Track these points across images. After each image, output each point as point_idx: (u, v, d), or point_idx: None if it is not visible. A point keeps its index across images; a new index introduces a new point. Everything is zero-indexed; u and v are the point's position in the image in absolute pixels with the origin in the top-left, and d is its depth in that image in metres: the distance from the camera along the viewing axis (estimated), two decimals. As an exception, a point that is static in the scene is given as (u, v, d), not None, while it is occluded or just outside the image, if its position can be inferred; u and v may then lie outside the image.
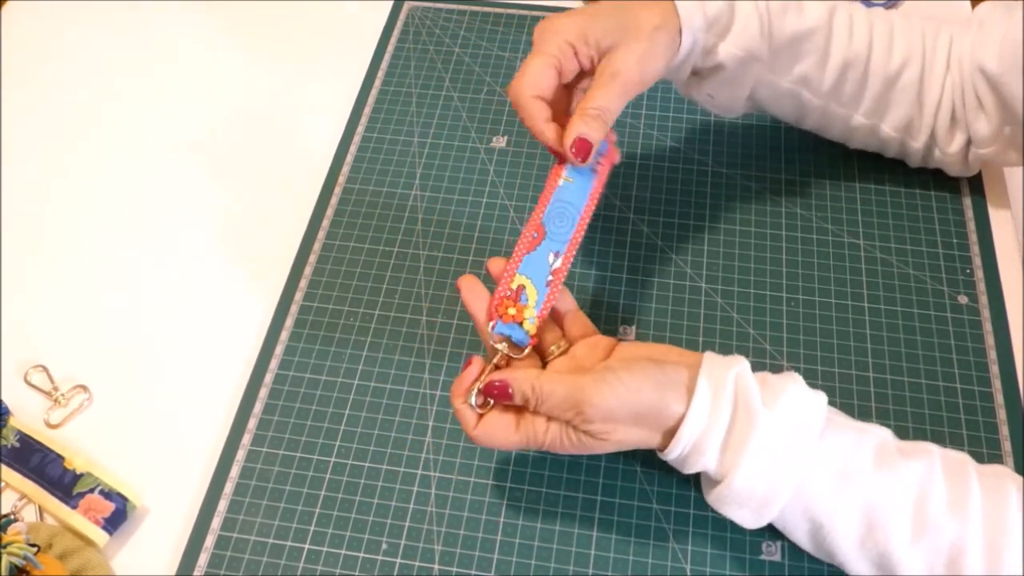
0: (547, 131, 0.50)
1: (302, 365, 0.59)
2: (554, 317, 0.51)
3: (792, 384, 0.46)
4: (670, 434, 0.46)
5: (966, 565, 0.42)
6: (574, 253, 0.49)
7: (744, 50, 0.54)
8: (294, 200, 0.67)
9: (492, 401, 0.48)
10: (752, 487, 0.44)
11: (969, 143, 0.60)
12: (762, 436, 0.44)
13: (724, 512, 0.46)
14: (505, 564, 0.51)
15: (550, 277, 0.49)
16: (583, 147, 0.49)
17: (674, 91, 0.72)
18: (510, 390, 0.46)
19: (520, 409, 0.48)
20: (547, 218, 0.50)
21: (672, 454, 0.46)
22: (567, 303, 0.51)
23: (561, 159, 0.51)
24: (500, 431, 0.47)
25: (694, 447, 0.45)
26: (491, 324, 0.48)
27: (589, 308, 0.60)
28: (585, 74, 0.53)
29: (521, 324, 0.48)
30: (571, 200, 0.50)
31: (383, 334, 0.60)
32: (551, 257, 0.49)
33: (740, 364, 0.46)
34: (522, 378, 0.46)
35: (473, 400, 0.47)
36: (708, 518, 0.52)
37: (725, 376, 0.45)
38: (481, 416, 0.48)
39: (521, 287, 0.49)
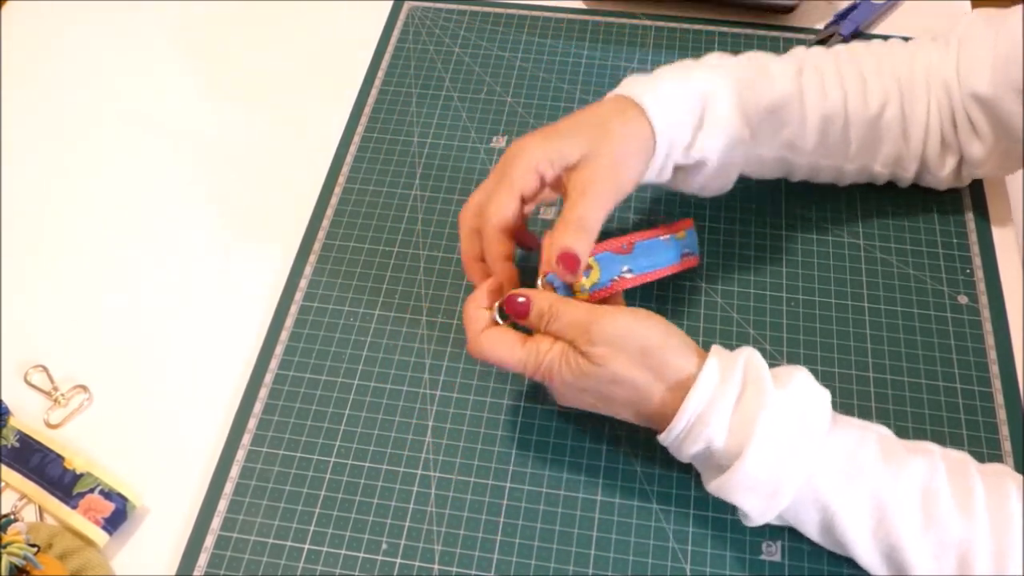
0: (503, 271, 0.51)
1: (302, 365, 0.59)
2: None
3: (800, 372, 0.46)
4: (673, 397, 0.46)
5: (975, 566, 0.42)
6: (637, 285, 0.51)
7: (725, 138, 0.54)
8: (294, 200, 0.67)
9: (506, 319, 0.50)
10: (765, 467, 0.44)
11: (961, 163, 0.59)
12: (773, 413, 0.44)
13: (732, 498, 0.45)
14: (505, 564, 0.51)
15: (616, 278, 0.50)
16: (569, 261, 0.48)
17: (674, 91, 0.72)
18: (530, 306, 0.48)
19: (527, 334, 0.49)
20: (640, 246, 0.52)
21: (678, 425, 0.45)
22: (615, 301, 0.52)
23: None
24: (505, 344, 0.48)
25: (699, 418, 0.45)
26: (545, 274, 0.49)
27: (589, 308, 0.60)
28: (545, 186, 0.52)
29: (571, 288, 0.49)
30: (661, 254, 0.53)
31: (383, 334, 0.60)
32: (624, 268, 0.50)
33: (749, 350, 0.47)
34: (541, 296, 0.48)
35: (497, 313, 0.50)
36: (708, 518, 0.52)
37: (735, 355, 0.47)
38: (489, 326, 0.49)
39: (589, 267, 0.49)
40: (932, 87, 0.57)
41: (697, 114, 0.53)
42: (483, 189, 0.53)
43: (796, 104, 0.55)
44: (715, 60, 0.56)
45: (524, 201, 0.51)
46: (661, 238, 0.53)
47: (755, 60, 0.56)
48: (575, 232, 0.48)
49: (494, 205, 0.50)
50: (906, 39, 0.60)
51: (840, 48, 0.59)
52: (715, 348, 0.47)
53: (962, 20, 0.58)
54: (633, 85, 0.53)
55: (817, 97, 0.56)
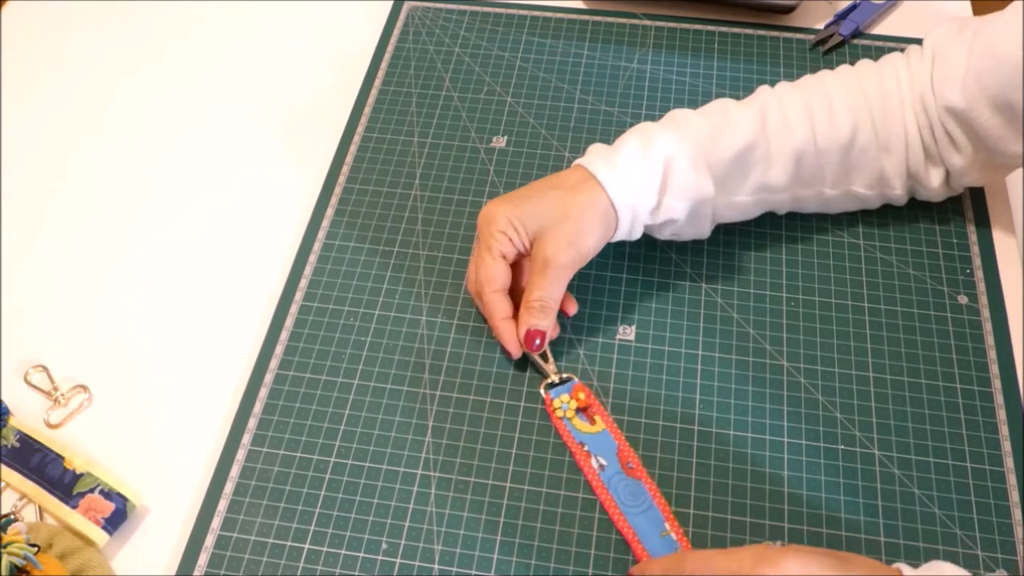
0: (504, 330, 0.55)
1: (302, 365, 0.59)
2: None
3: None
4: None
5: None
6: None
7: (690, 199, 0.56)
8: (294, 200, 0.67)
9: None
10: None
11: (948, 173, 0.59)
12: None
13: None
14: (505, 564, 0.51)
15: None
16: (531, 337, 0.54)
17: (673, 92, 0.72)
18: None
19: None
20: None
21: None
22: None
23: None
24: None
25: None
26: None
27: (589, 308, 0.60)
28: (524, 255, 0.56)
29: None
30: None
31: (383, 334, 0.60)
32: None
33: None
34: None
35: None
36: (708, 518, 0.52)
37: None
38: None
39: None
40: (906, 102, 0.57)
41: (659, 178, 0.55)
42: (472, 260, 0.58)
43: (761, 147, 0.56)
44: (678, 116, 0.57)
45: (507, 260, 0.55)
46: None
47: (717, 110, 0.57)
48: (537, 314, 0.54)
49: (483, 271, 0.55)
50: (902, 45, 0.60)
51: (807, 79, 0.59)
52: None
53: (934, 32, 0.58)
54: (593, 156, 0.56)
55: (783, 135, 0.56)
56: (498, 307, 0.55)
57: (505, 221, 0.54)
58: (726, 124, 0.56)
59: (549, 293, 0.54)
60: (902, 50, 0.60)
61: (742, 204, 0.59)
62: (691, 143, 0.55)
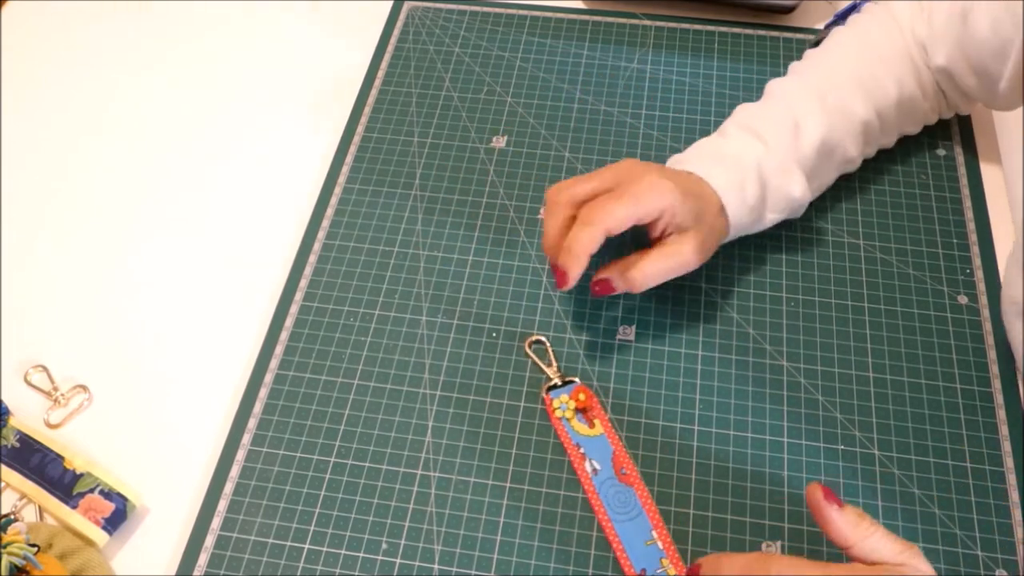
0: (582, 264, 0.52)
1: (302, 365, 0.59)
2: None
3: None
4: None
5: None
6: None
7: (786, 208, 0.58)
8: (294, 200, 0.67)
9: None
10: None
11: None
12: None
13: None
14: (505, 564, 0.51)
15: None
16: (601, 284, 0.55)
17: (673, 92, 0.72)
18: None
19: None
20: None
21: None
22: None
23: None
24: None
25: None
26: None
27: (589, 307, 0.60)
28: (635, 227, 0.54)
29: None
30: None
31: (383, 334, 0.60)
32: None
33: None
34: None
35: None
36: (708, 518, 0.52)
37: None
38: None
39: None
40: (919, 55, 0.61)
41: (762, 198, 0.57)
42: (587, 183, 0.54)
43: (840, 141, 0.59)
44: (748, 120, 0.59)
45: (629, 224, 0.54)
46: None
47: (785, 114, 0.58)
48: (628, 282, 0.54)
49: (618, 212, 0.52)
50: None
51: (840, 50, 0.62)
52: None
53: None
54: (713, 174, 0.56)
55: (849, 121, 0.59)
56: (596, 242, 0.52)
57: (670, 204, 0.52)
58: (799, 128, 0.58)
59: (650, 281, 0.54)
60: None
61: (827, 185, 0.62)
62: (779, 154, 0.57)
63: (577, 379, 0.56)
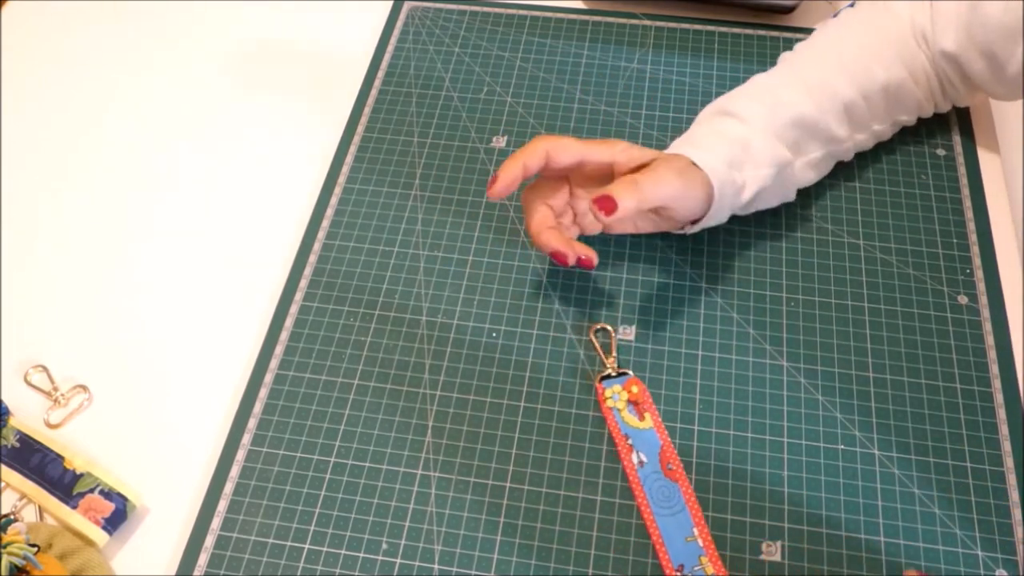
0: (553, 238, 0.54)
1: (302, 365, 0.59)
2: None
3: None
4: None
5: None
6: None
7: (775, 162, 0.58)
8: (294, 200, 0.67)
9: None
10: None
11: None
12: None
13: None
14: (505, 564, 0.51)
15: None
16: (609, 205, 0.51)
17: (673, 92, 0.72)
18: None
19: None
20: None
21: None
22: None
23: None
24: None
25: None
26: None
27: (589, 308, 0.60)
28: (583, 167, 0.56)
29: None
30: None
31: (383, 334, 0.60)
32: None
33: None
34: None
35: None
36: (708, 518, 0.52)
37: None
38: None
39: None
40: (918, 41, 0.61)
41: (741, 156, 0.56)
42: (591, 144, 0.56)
43: (822, 114, 0.59)
44: (732, 108, 0.59)
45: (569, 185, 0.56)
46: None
47: (764, 92, 0.59)
48: (631, 189, 0.52)
49: (559, 144, 0.54)
50: None
51: (828, 35, 0.63)
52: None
53: None
54: (683, 147, 0.57)
55: (831, 96, 0.59)
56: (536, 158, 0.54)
57: (624, 146, 0.55)
58: (777, 100, 0.58)
59: (650, 192, 0.52)
60: None
61: (816, 160, 0.61)
62: (759, 123, 0.57)
63: (631, 371, 0.56)
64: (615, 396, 0.55)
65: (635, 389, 0.55)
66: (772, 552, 0.51)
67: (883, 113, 0.63)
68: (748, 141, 0.57)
